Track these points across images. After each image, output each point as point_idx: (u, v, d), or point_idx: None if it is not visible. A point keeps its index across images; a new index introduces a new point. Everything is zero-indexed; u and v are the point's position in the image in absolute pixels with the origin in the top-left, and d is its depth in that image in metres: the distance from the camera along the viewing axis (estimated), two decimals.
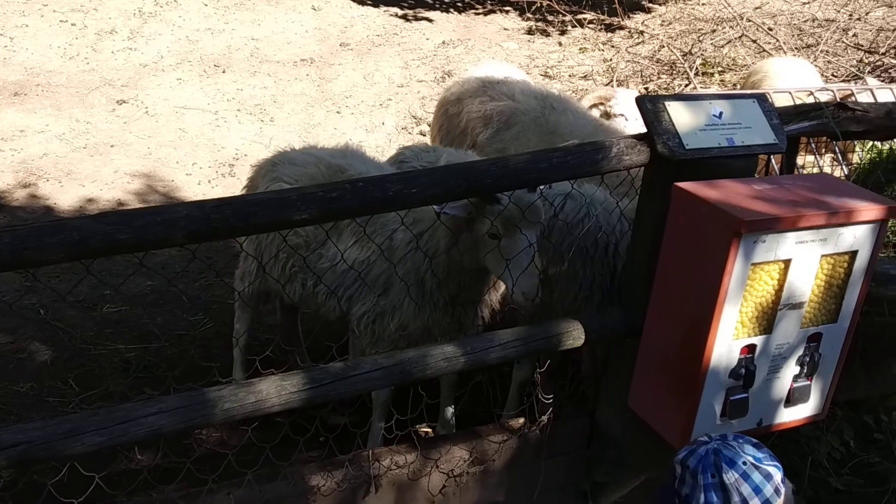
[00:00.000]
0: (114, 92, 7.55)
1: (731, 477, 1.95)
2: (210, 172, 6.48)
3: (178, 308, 4.59)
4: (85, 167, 6.26)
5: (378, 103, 7.85)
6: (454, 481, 3.03)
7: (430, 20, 10.18)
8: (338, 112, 7.64)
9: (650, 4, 10.71)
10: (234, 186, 6.16)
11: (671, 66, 8.38)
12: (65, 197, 5.85)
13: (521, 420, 3.19)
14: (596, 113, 4.56)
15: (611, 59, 8.86)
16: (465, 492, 3.09)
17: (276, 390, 2.40)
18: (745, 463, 1.97)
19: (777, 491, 1.97)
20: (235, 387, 2.35)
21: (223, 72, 8.16)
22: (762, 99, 2.89)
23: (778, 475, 2.00)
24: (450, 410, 3.63)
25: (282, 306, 4.05)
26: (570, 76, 8.61)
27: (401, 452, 2.92)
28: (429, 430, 3.64)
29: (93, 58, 8.20)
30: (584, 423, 3.24)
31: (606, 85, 8.03)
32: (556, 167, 2.57)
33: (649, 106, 2.70)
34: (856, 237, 2.58)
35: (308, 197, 2.21)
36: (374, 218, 3.11)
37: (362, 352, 3.34)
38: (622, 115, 4.47)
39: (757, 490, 1.97)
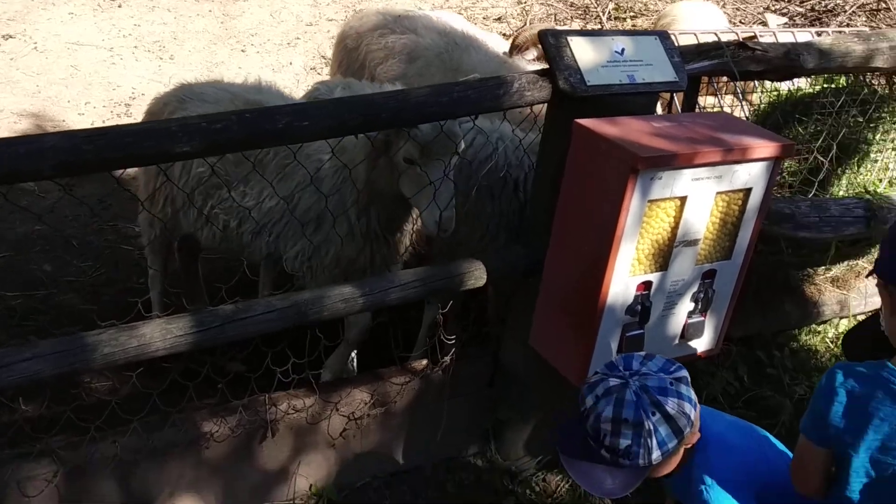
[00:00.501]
0: (0, 26, 7.05)
1: (671, 404, 1.96)
2: (104, 112, 6.14)
3: (67, 254, 4.35)
4: None
5: (286, 42, 7.55)
6: (355, 424, 2.99)
7: None
8: (242, 51, 7.32)
9: None
10: None
11: (585, 10, 8.36)
12: None
13: (425, 361, 3.16)
14: (533, 54, 4.49)
15: (525, 2, 8.76)
16: (367, 434, 3.06)
17: (160, 334, 2.28)
18: (670, 383, 1.98)
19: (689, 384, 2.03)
20: (116, 330, 2.23)
21: (119, 6, 7.69)
22: (664, 36, 2.87)
23: (685, 371, 2.04)
24: (352, 354, 3.57)
25: (181, 252, 3.86)
26: (483, 18, 8.47)
27: (299, 396, 2.86)
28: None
29: None
30: (487, 362, 3.24)
31: (520, 29, 7.94)
32: (456, 101, 2.50)
33: (552, 41, 2.64)
34: (750, 175, 2.61)
35: (190, 128, 2.07)
36: (300, 149, 2.97)
37: None
38: None
39: (689, 399, 2.01)
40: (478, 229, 3.21)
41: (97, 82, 6.48)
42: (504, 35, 7.07)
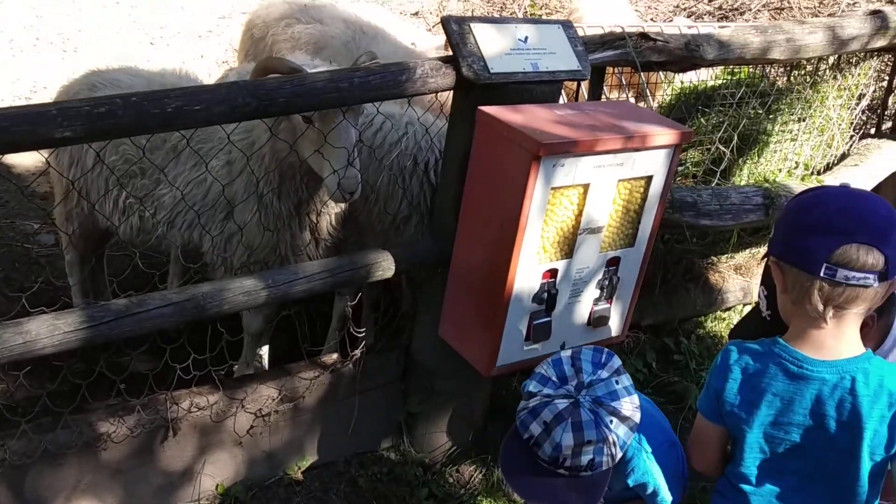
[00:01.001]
0: None
1: (625, 405, 1.93)
2: (3, 105, 5.85)
3: None
4: None
5: (197, 35, 7.37)
6: (262, 421, 2.91)
7: None
8: (151, 43, 7.11)
9: None
10: None
11: (502, 7, 8.41)
12: None
13: (335, 355, 3.11)
14: None
15: None
16: (275, 431, 2.99)
17: (47, 330, 2.17)
18: (615, 382, 1.96)
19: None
20: None
21: None
22: (567, 25, 2.89)
23: (615, 357, 2.03)
24: (263, 350, 3.49)
25: (87, 245, 3.68)
26: (400, 13, 8.44)
27: (202, 394, 2.76)
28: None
29: None
30: (398, 355, 3.20)
31: (435, 25, 7.93)
32: (358, 87, 2.45)
33: (454, 27, 2.62)
34: (651, 162, 2.64)
35: (71, 112, 1.98)
36: (210, 133, 2.87)
37: None
38: None
39: (632, 388, 1.99)
40: (389, 212, 3.18)
41: None
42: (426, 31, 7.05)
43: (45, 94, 6.07)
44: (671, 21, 7.45)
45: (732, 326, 3.70)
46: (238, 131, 2.77)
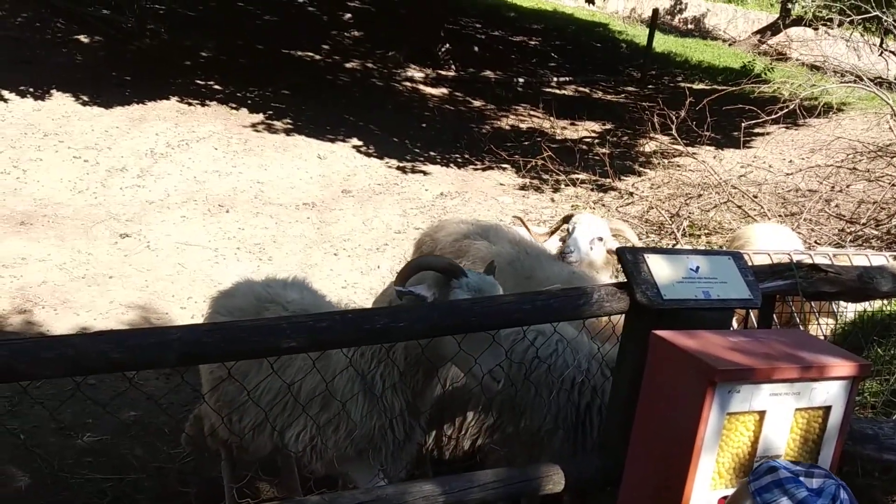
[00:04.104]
0: (118, 226, 7.78)
1: None
2: (204, 307, 6.52)
3: (158, 440, 4.55)
4: (81, 296, 6.36)
5: (375, 247, 8.07)
6: None
7: (429, 173, 10.63)
8: (335, 254, 7.84)
9: (641, 168, 11.22)
10: None
11: (660, 227, 8.69)
12: (59, 324, 5.91)
13: None
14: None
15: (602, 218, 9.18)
16: None
17: None
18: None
19: None
20: None
21: (227, 211, 8.44)
22: (738, 257, 3.04)
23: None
24: None
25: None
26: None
27: None
28: None
29: (101, 193, 8.50)
30: None
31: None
32: (540, 309, 2.68)
33: (629, 257, 2.84)
34: (829, 393, 2.64)
35: (298, 326, 2.30)
36: None
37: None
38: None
39: None
40: (536, 421, 3.29)
41: (200, 279, 7.00)
42: None
43: None
44: (838, 244, 7.42)
45: None
46: None
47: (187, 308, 6.48)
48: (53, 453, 4.38)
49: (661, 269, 2.84)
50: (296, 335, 2.28)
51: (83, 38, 12.79)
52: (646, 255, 2.86)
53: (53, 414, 4.39)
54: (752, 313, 3.53)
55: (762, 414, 2.55)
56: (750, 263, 3.18)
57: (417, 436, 3.23)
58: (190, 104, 11.42)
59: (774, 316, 3.47)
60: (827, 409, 2.66)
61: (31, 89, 10.68)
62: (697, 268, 2.91)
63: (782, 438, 2.61)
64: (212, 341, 2.20)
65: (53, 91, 10.81)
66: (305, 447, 3.19)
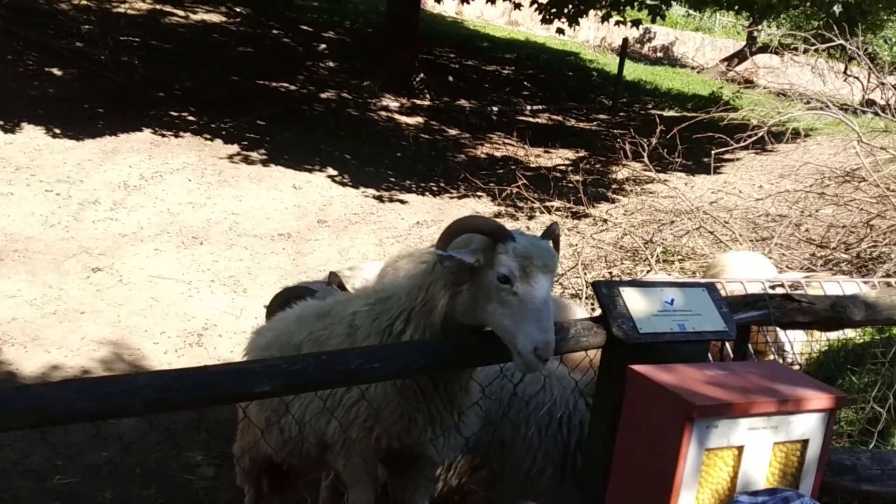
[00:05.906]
0: (90, 260, 7.68)
1: None
2: (178, 342, 6.48)
3: (130, 482, 4.45)
4: (52, 333, 6.25)
5: (345, 274, 8.02)
6: None
7: (405, 202, 10.63)
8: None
9: (614, 195, 11.31)
10: (200, 356, 6.15)
11: (634, 253, 8.74)
12: (29, 363, 5.79)
13: None
14: None
15: (576, 245, 9.22)
16: None
17: None
18: None
19: None
20: None
21: (201, 243, 8.37)
22: (711, 288, 3.05)
23: None
24: None
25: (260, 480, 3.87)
26: None
27: None
28: None
29: (73, 226, 8.39)
30: None
31: (571, 269, 8.30)
32: None
33: (605, 291, 2.83)
34: (806, 426, 2.64)
35: (272, 370, 2.26)
36: (334, 310, 3.04)
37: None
38: None
39: None
40: (525, 461, 3.25)
41: (174, 313, 6.91)
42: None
43: (214, 331, 6.69)
44: (809, 270, 7.49)
45: None
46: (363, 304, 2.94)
47: (160, 343, 6.39)
48: (22, 497, 4.27)
49: (636, 302, 2.84)
50: (269, 379, 2.24)
51: (56, 71, 12.69)
52: (621, 289, 2.86)
53: (22, 458, 4.27)
54: (727, 344, 3.54)
55: (741, 449, 2.54)
56: (724, 292, 3.19)
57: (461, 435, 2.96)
58: (164, 136, 11.35)
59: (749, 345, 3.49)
60: (805, 443, 2.66)
61: (2, 122, 10.57)
62: (672, 300, 2.91)
63: (761, 473, 2.60)
64: (181, 388, 2.15)
65: (25, 124, 10.70)
66: (339, 439, 2.97)
